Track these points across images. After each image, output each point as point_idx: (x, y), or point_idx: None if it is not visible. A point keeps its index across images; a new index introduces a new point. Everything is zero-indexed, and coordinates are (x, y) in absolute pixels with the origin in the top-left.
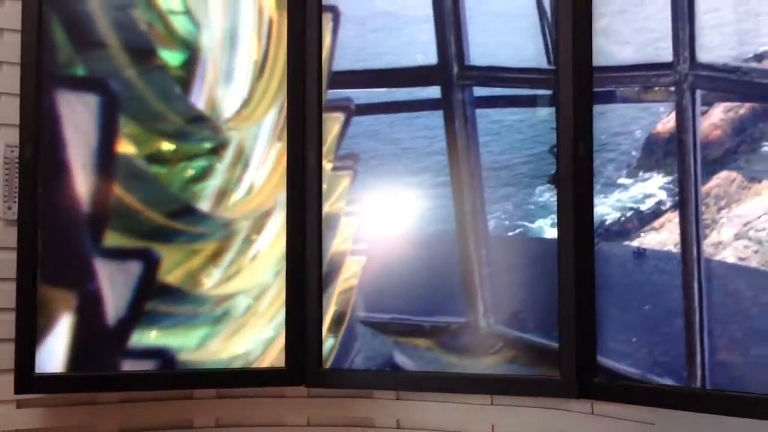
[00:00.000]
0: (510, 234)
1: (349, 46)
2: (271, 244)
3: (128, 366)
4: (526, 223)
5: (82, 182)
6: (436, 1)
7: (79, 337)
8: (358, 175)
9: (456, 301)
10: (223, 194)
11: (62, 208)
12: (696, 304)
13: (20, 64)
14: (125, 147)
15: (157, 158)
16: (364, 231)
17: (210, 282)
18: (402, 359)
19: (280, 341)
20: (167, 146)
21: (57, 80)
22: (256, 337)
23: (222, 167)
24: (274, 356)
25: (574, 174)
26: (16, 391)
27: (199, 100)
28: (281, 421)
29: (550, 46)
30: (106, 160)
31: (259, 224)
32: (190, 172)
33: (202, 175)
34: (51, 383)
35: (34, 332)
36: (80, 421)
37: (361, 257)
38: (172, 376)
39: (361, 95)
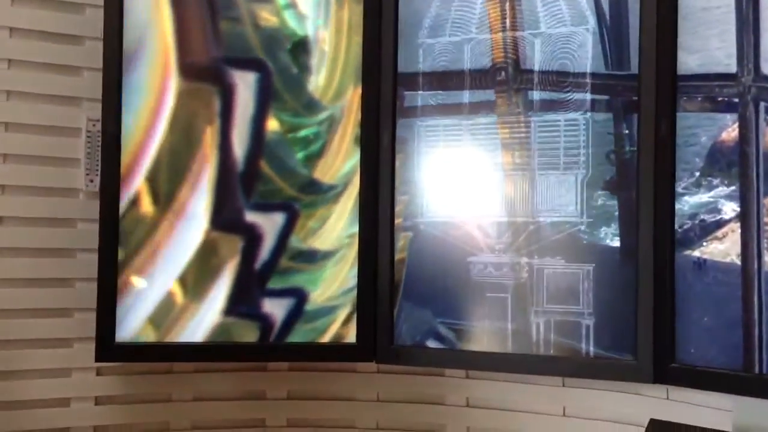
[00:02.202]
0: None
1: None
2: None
3: (268, 305)
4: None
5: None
6: None
7: (239, 277)
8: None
9: None
10: (326, 163)
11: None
12: (756, 316)
13: (102, 39)
14: (271, 124)
15: (286, 134)
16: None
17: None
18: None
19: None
20: (293, 125)
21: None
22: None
23: (323, 142)
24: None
25: (655, 180)
26: (97, 359)
27: (310, 84)
28: (351, 396)
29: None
30: (257, 133)
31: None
32: (306, 146)
33: (313, 148)
34: (130, 352)
35: (114, 301)
36: (156, 389)
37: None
38: (247, 348)
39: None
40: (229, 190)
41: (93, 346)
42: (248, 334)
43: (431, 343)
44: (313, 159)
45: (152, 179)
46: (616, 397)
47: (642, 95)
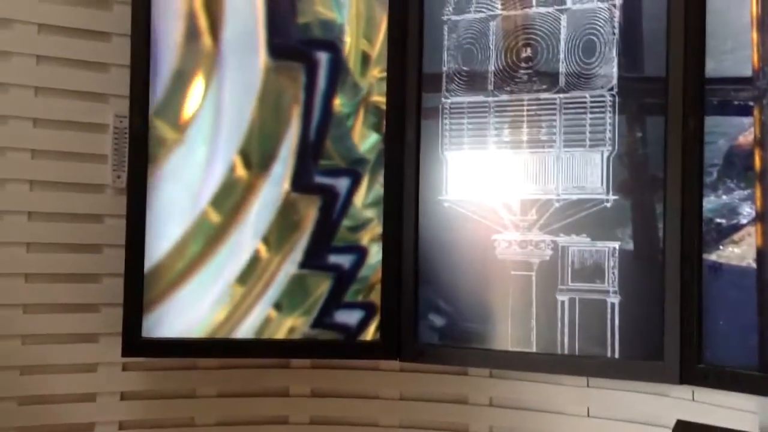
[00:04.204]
0: None
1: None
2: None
3: (333, 258)
4: None
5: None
6: None
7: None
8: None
9: None
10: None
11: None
12: None
13: (130, 35)
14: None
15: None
16: None
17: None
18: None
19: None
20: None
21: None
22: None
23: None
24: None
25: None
26: (124, 354)
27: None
28: (374, 394)
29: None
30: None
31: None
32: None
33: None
34: (156, 347)
35: (141, 297)
36: (181, 385)
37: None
38: (271, 344)
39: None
40: (305, 157)
41: (119, 341)
42: (322, 284)
43: (455, 335)
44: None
45: (245, 152)
46: (641, 398)
47: (669, 96)
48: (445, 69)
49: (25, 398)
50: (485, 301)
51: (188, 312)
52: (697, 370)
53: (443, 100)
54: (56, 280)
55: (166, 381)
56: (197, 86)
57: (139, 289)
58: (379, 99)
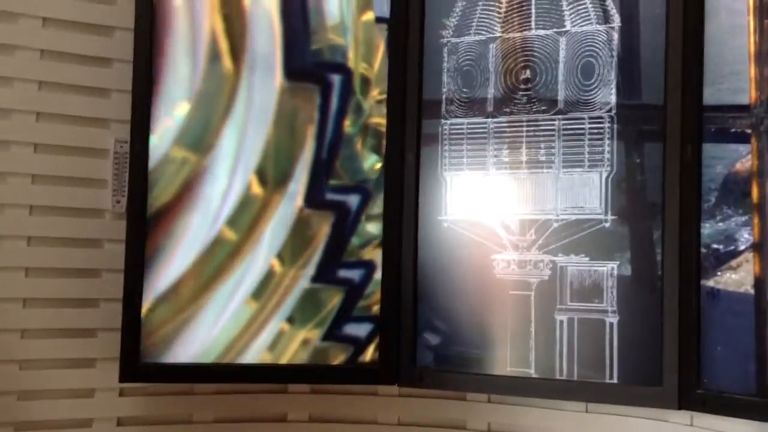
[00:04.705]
0: None
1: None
2: None
3: (343, 273)
4: None
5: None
6: None
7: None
8: None
9: None
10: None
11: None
12: None
13: (132, 61)
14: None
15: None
16: None
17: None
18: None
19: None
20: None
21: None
22: None
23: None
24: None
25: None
26: (121, 380)
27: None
28: (373, 419)
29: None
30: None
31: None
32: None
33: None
34: (154, 372)
35: (139, 322)
36: (177, 410)
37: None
38: (269, 369)
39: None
40: (318, 173)
41: (116, 366)
42: (334, 297)
43: (453, 358)
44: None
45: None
46: (640, 423)
47: (668, 122)
48: (444, 91)
49: (22, 424)
50: (484, 321)
51: (199, 335)
52: (695, 395)
53: (443, 121)
54: (55, 305)
55: (162, 406)
56: (219, 109)
57: (137, 313)
58: (380, 120)
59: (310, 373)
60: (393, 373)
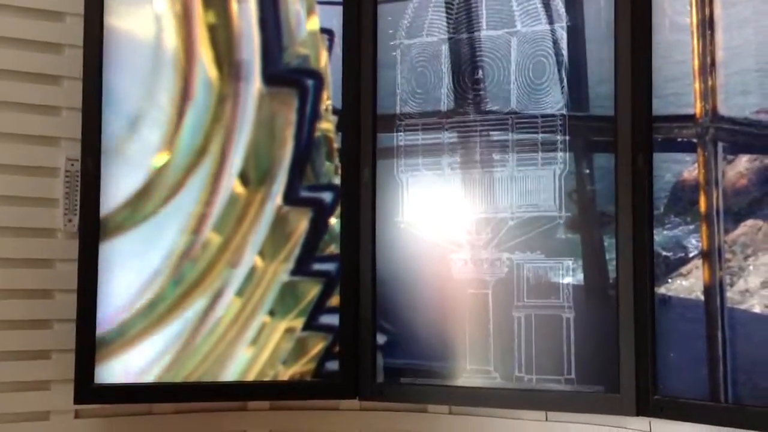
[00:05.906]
0: None
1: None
2: None
3: (317, 266)
4: None
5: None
6: None
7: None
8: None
9: None
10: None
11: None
12: (720, 353)
13: (82, 78)
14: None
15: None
16: None
17: None
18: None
19: None
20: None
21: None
22: None
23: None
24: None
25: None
26: (76, 401)
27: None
28: None
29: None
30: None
31: None
32: None
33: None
34: (110, 393)
35: (93, 343)
36: (135, 431)
37: None
38: (227, 387)
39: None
40: (295, 173)
41: (71, 387)
42: (312, 289)
43: (412, 364)
44: None
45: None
46: (600, 430)
47: (618, 133)
48: (399, 91)
49: None
50: (443, 319)
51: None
52: (653, 401)
53: (398, 122)
54: (7, 327)
55: (120, 428)
56: (203, 118)
57: (91, 334)
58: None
59: (269, 390)
60: (353, 387)
